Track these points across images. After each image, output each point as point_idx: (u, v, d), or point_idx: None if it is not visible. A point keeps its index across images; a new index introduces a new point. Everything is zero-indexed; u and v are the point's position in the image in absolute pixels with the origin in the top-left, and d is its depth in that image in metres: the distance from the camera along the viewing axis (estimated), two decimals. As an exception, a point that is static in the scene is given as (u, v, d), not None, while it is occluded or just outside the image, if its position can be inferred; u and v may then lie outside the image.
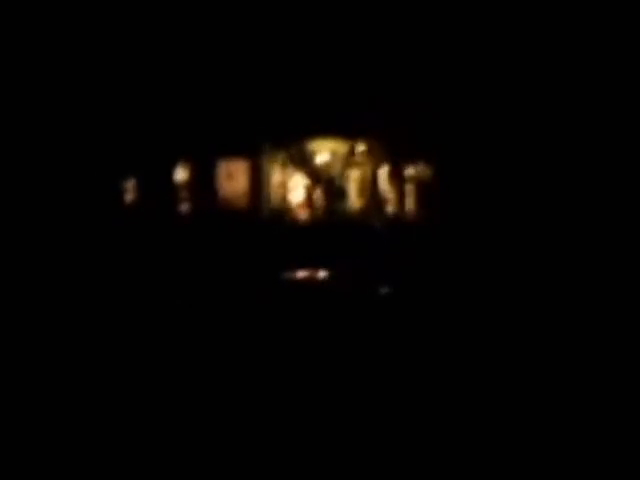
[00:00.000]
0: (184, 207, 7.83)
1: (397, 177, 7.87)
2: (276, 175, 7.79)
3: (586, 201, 7.28)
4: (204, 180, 7.75)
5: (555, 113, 7.38)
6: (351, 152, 7.83)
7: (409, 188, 7.86)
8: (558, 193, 7.35)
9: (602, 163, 7.24)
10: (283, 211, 7.80)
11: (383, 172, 7.86)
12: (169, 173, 7.79)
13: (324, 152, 7.81)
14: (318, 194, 7.81)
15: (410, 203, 7.86)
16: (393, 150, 7.82)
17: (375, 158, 7.84)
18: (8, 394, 5.73)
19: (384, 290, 7.49)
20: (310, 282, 7.54)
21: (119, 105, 7.71)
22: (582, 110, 7.30)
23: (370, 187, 7.83)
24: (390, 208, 7.88)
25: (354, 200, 7.84)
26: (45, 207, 7.53)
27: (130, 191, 7.79)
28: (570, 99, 7.33)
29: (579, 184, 7.29)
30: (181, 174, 7.84)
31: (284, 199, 7.80)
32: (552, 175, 7.39)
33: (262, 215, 7.74)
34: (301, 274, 7.56)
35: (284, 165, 7.79)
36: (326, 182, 7.83)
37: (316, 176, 7.81)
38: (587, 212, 7.26)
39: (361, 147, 7.83)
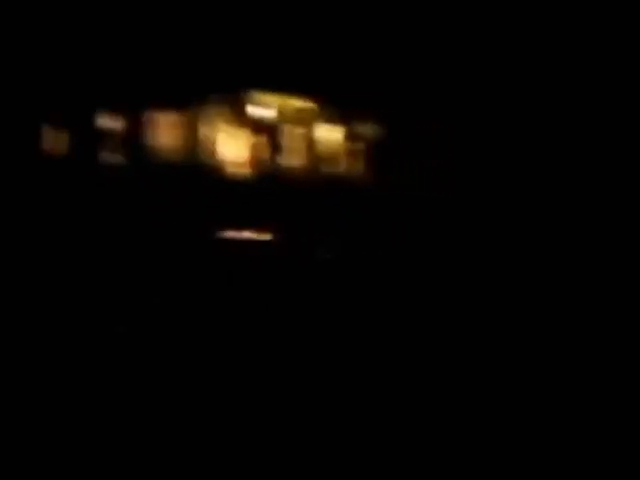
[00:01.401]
0: (114, 158, 7.29)
1: (343, 136, 7.49)
2: (214, 129, 7.29)
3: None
4: (136, 131, 7.21)
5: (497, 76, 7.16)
6: (294, 108, 7.40)
7: (354, 148, 7.49)
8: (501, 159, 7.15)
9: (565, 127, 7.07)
10: (220, 167, 7.32)
11: (328, 130, 7.47)
12: (94, 121, 7.23)
13: (266, 107, 7.35)
14: (258, 151, 7.36)
15: (354, 164, 7.50)
16: (340, 108, 7.43)
17: (320, 115, 7.43)
18: None
19: (323, 255, 7.13)
20: (246, 244, 7.13)
21: (41, 44, 7.13)
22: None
23: (313, 146, 7.43)
24: (333, 168, 7.49)
25: (295, 158, 7.42)
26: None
27: (50, 139, 7.21)
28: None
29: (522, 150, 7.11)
30: (110, 123, 7.29)
31: (221, 154, 7.32)
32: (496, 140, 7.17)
33: (197, 170, 7.24)
34: (237, 234, 7.13)
35: (223, 119, 7.31)
36: (267, 138, 7.38)
37: (256, 132, 7.36)
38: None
39: (305, 103, 7.41)
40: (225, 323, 6.38)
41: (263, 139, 7.38)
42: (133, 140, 7.23)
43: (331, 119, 7.44)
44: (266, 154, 7.38)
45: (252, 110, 7.36)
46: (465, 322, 6.31)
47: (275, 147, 7.40)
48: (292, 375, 5.47)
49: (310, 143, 7.42)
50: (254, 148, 7.36)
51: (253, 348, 5.98)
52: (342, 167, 7.47)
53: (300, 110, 7.39)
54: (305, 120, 7.39)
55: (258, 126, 7.36)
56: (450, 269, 6.96)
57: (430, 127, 7.28)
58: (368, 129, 7.46)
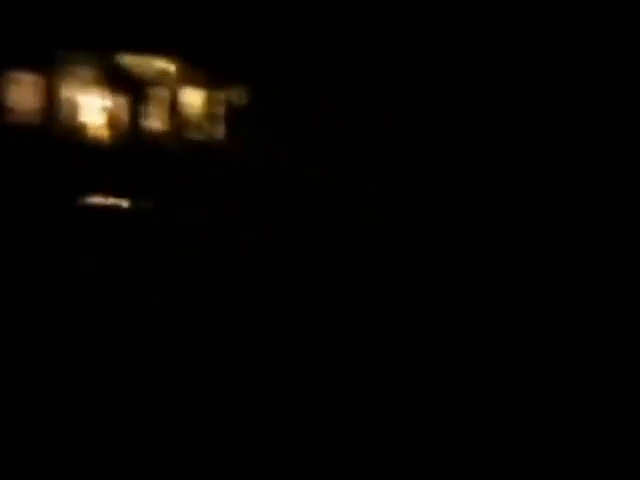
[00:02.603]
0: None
1: (207, 100, 7.37)
2: (73, 90, 7.01)
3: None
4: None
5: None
6: (158, 70, 7.20)
7: (219, 112, 7.40)
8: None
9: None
10: (80, 130, 7.08)
11: (191, 93, 7.33)
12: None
13: (128, 67, 7.13)
14: (119, 113, 7.15)
15: (219, 129, 7.41)
16: (206, 71, 7.29)
17: (183, 77, 7.27)
18: None
19: (188, 221, 7.07)
20: (109, 211, 6.96)
21: None
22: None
23: (176, 109, 7.28)
24: (196, 133, 7.39)
25: (158, 122, 7.26)
26: None
27: None
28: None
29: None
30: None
31: (82, 117, 7.07)
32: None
33: (56, 133, 6.97)
34: (99, 201, 6.95)
35: (83, 79, 7.03)
36: (129, 100, 7.17)
37: (118, 93, 7.13)
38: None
39: (168, 65, 7.23)
40: (88, 293, 6.28)
41: (126, 102, 7.17)
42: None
43: (196, 82, 7.31)
44: (130, 117, 7.19)
45: (116, 71, 7.13)
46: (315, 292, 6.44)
47: (139, 110, 7.21)
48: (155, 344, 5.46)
49: (175, 106, 7.28)
50: (117, 111, 7.15)
51: (118, 319, 5.92)
52: (206, 132, 7.38)
53: (165, 72, 7.22)
54: (170, 83, 7.23)
55: (121, 88, 7.15)
56: (315, 235, 7.06)
57: (299, 94, 7.27)
58: (233, 93, 7.38)
